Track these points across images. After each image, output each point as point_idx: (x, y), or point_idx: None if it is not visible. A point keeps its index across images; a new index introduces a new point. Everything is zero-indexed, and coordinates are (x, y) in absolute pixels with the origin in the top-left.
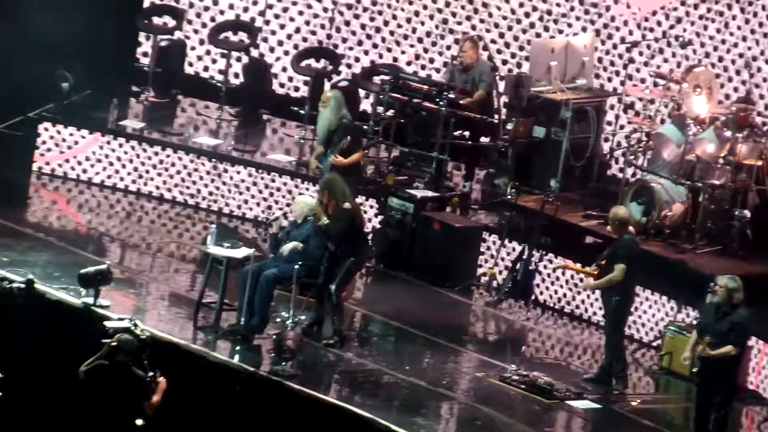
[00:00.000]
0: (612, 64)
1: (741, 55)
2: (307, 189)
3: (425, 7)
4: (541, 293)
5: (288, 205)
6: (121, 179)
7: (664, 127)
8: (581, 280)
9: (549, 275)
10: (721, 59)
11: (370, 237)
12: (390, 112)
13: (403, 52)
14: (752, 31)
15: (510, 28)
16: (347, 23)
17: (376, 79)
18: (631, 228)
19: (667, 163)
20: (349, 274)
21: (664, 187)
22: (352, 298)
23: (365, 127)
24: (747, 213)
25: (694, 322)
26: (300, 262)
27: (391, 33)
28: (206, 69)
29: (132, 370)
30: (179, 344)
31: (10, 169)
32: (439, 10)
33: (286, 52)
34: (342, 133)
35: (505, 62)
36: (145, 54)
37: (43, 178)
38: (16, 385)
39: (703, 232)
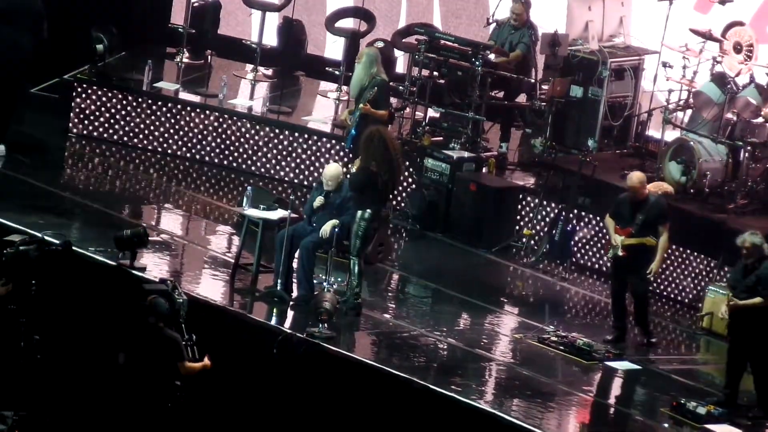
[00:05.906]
0: (650, 21)
1: None
2: (341, 151)
3: None
4: (579, 254)
5: (321, 168)
6: (157, 141)
7: (704, 85)
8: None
9: (587, 235)
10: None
11: (406, 198)
12: (425, 72)
13: None
14: None
15: None
16: None
17: (411, 38)
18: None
19: (706, 121)
20: (368, 237)
21: (704, 146)
22: (388, 259)
23: (401, 87)
24: None
25: None
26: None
27: None
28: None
29: (164, 331)
30: (216, 306)
31: (45, 132)
32: None
33: (321, 12)
34: (371, 88)
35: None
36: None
37: (79, 140)
38: (53, 348)
39: (744, 192)
